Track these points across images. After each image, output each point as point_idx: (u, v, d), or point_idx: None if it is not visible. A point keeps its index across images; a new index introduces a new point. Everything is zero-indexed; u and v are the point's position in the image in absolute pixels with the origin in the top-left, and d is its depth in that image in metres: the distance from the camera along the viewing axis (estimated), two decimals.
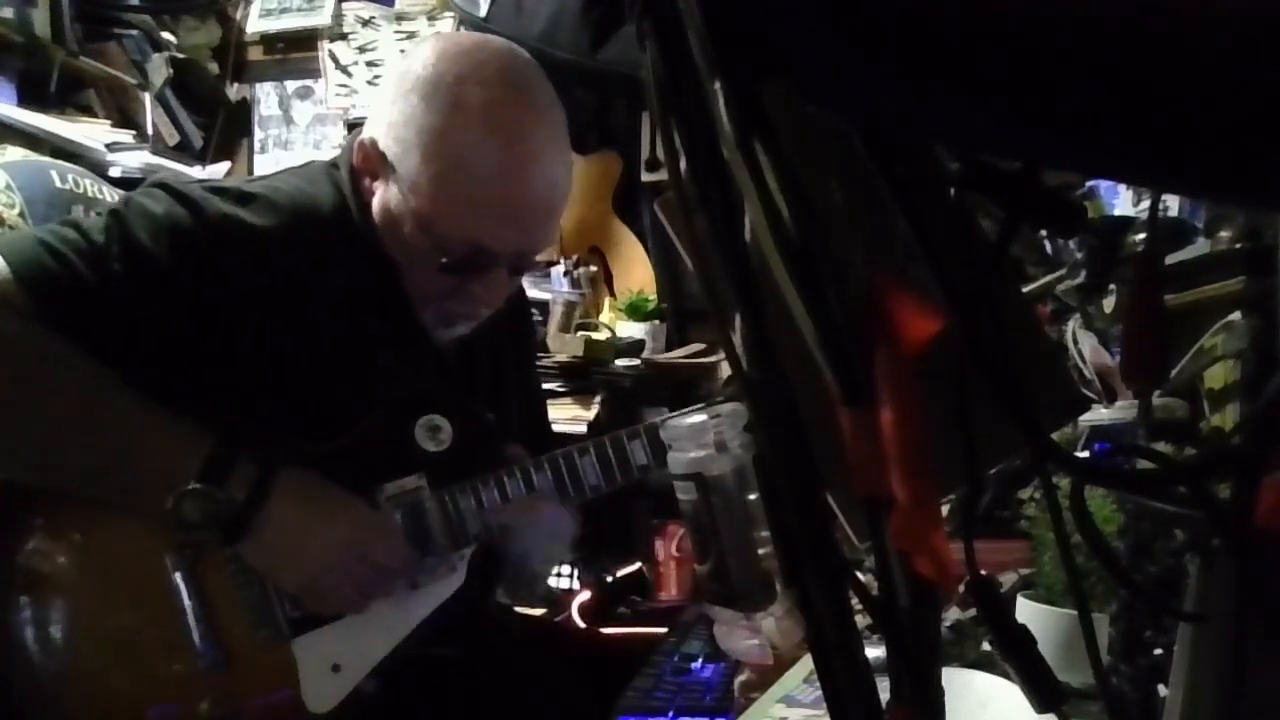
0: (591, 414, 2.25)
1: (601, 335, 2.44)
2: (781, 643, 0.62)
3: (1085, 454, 1.32)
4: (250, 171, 2.91)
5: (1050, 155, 0.44)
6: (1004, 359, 0.41)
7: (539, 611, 1.84)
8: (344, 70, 2.89)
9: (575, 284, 2.57)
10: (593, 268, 2.64)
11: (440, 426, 1.09)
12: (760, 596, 0.62)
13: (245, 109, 2.97)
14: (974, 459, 0.44)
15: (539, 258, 1.19)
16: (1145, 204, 1.55)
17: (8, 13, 2.24)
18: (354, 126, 2.50)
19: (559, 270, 2.57)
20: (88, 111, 2.47)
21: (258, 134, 2.97)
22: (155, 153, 2.45)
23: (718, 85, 0.39)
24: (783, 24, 0.39)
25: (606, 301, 2.67)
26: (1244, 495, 0.44)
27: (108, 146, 2.25)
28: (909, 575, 0.43)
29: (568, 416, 2.21)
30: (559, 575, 2.12)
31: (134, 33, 2.64)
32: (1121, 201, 1.66)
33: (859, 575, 0.44)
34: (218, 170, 2.67)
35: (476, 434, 1.11)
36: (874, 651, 0.49)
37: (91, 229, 0.98)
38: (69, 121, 2.28)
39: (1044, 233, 1.50)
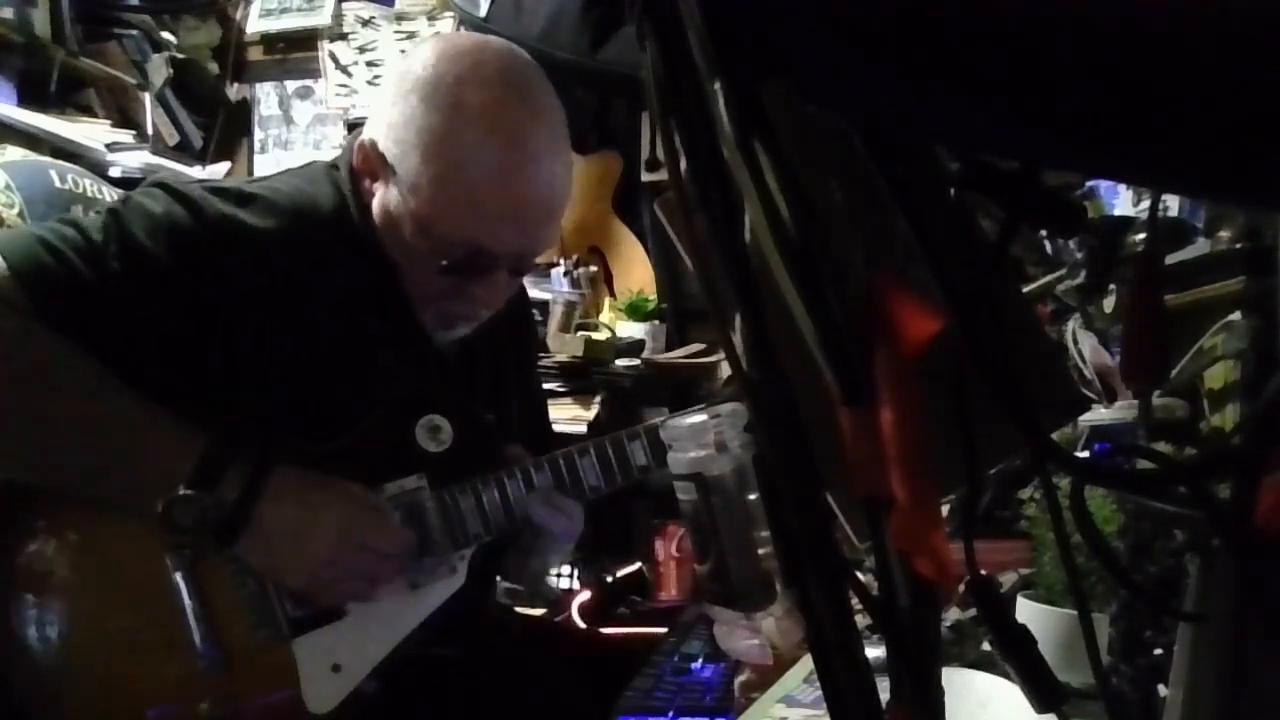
0: (591, 414, 2.25)
1: (601, 335, 2.44)
2: (781, 643, 0.62)
3: (1085, 454, 1.32)
4: (250, 171, 2.91)
5: (1050, 155, 0.44)
6: (1004, 359, 0.41)
7: (539, 611, 1.84)
8: (344, 70, 2.90)
9: (575, 284, 2.57)
10: (593, 268, 2.64)
11: (440, 427, 1.09)
12: (760, 596, 0.62)
13: (245, 109, 2.98)
14: (974, 459, 0.44)
15: (539, 259, 1.18)
16: (1145, 204, 1.55)
17: (8, 13, 2.24)
18: (354, 127, 2.51)
19: (559, 270, 2.57)
20: (88, 111, 2.47)
21: (258, 134, 2.97)
22: (155, 153, 2.45)
23: (718, 85, 0.39)
24: (783, 24, 0.39)
25: (606, 301, 2.67)
26: (1244, 495, 0.44)
27: (108, 146, 2.25)
28: (909, 575, 0.43)
29: (568, 416, 2.21)
30: (559, 575, 2.12)
31: (134, 33, 2.64)
32: (1121, 201, 1.66)
33: (859, 575, 0.44)
34: (218, 170, 2.67)
35: (476, 434, 1.11)
36: (874, 651, 0.49)
37: (90, 228, 0.98)
38: (69, 121, 2.28)
39: (1044, 233, 1.50)
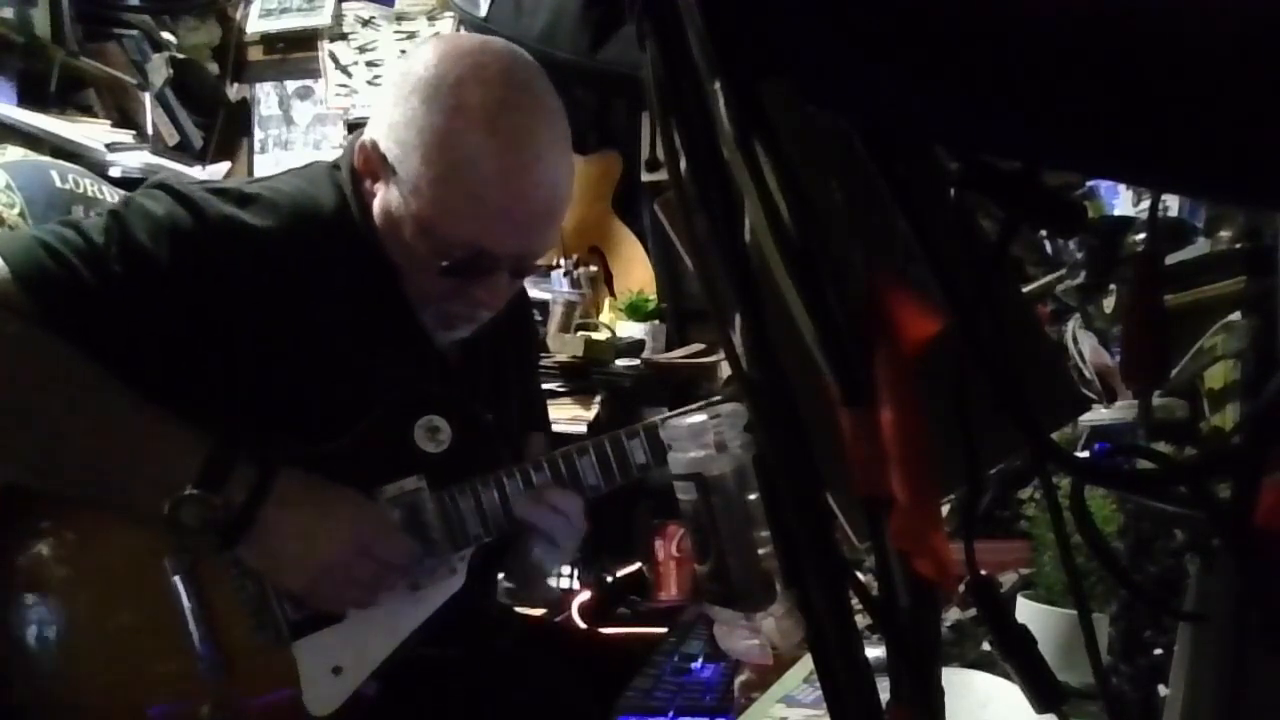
0: (591, 414, 2.25)
1: (601, 335, 2.44)
2: (781, 643, 0.62)
3: (1085, 454, 1.32)
4: (250, 172, 2.91)
5: (1050, 155, 0.44)
6: (1004, 359, 0.41)
7: (539, 611, 1.84)
8: (344, 70, 2.90)
9: (575, 284, 2.57)
10: (593, 268, 2.64)
11: (440, 427, 1.09)
12: (760, 596, 0.62)
13: (245, 109, 2.98)
14: (974, 459, 0.44)
15: (540, 260, 1.18)
16: (1145, 204, 1.55)
17: (8, 13, 2.24)
18: (354, 127, 2.51)
19: (559, 270, 2.57)
20: (88, 111, 2.48)
21: (258, 134, 2.98)
22: (155, 153, 2.45)
23: (718, 85, 0.39)
24: (783, 24, 0.39)
25: (606, 301, 2.67)
26: (1244, 495, 0.44)
27: (108, 146, 2.25)
28: (909, 575, 0.43)
29: (568, 416, 2.21)
30: (559, 575, 2.12)
31: (134, 33, 2.64)
32: (1121, 201, 1.66)
33: (859, 575, 0.44)
34: (218, 170, 2.67)
35: (475, 435, 1.11)
36: (874, 651, 0.49)
37: (91, 229, 0.98)
38: (69, 121, 2.28)
39: (1044, 233, 1.50)
